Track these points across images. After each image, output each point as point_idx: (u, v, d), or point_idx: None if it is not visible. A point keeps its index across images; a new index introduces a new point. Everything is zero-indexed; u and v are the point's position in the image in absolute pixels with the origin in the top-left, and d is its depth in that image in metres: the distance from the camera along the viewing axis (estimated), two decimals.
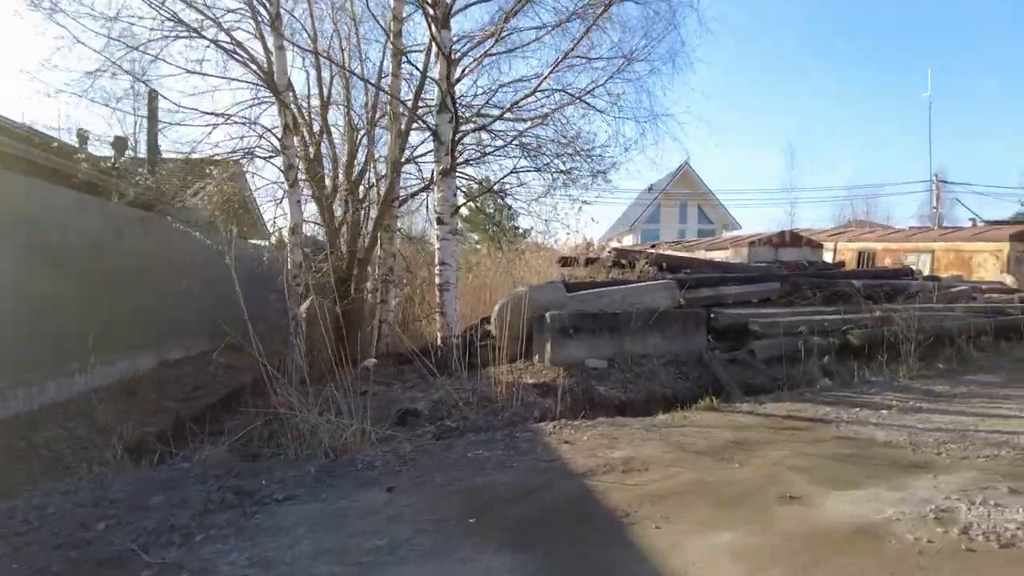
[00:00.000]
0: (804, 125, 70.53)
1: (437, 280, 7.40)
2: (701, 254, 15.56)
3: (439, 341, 7.47)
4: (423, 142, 9.76)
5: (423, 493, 3.49)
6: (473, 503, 3.31)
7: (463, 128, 8.14)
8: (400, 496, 3.45)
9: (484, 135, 9.93)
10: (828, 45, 68.43)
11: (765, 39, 68.42)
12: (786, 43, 69.04)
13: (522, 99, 8.03)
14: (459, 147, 10.33)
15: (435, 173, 7.51)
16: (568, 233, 13.68)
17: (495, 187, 9.14)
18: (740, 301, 8.63)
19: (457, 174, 10.20)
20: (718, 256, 14.72)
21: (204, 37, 7.58)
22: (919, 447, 4.22)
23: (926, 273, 13.53)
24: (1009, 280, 13.15)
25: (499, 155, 9.88)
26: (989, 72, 62.04)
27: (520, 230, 24.72)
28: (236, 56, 7.62)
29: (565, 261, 10.27)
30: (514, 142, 9.55)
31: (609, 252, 9.97)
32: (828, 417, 5.17)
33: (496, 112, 8.82)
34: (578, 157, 9.50)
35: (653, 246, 20.04)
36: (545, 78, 7.54)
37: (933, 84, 55.97)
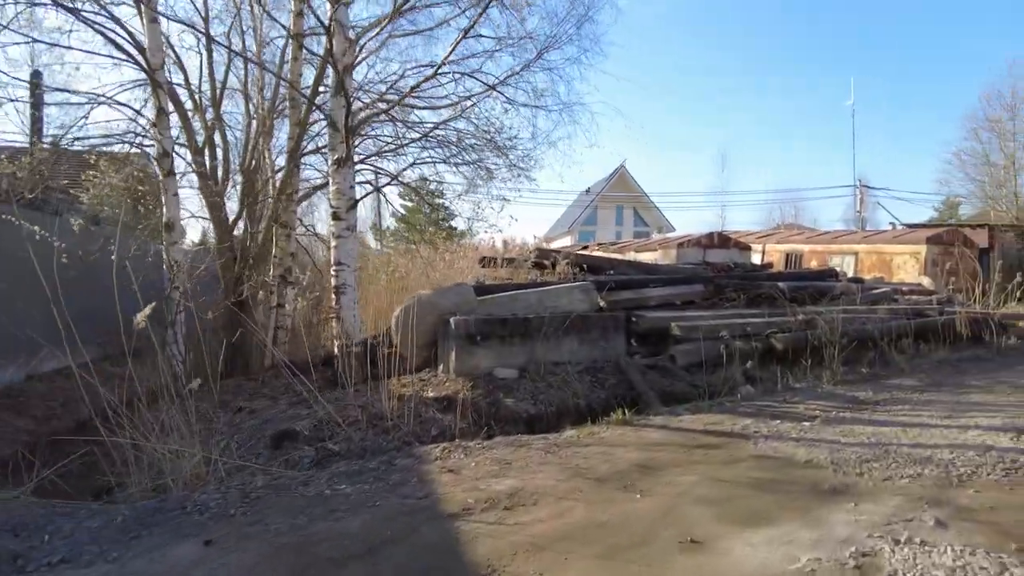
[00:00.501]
0: (736, 130, 72.48)
1: (333, 282, 6.66)
2: (631, 255, 15.27)
3: (336, 350, 6.72)
4: (323, 132, 8.99)
5: (248, 548, 2.79)
6: (306, 561, 2.64)
7: (363, 114, 7.42)
8: (217, 552, 2.74)
9: (401, 127, 9.28)
10: (760, 53, 70.56)
11: (697, 44, 70.10)
12: (719, 48, 70.87)
13: (423, 82, 7.36)
14: (377, 139, 9.65)
15: (329, 163, 6.75)
16: (487, 231, 13.15)
17: (404, 181, 8.43)
18: (664, 304, 8.23)
19: (371, 167, 9.52)
20: (648, 257, 14.44)
21: (61, 5, 6.60)
22: (840, 466, 3.80)
23: (850, 274, 13.62)
24: (926, 282, 13.36)
25: (415, 147, 9.25)
26: (909, 83, 65.07)
27: (456, 230, 24.12)
28: (97, 28, 6.66)
29: (485, 261, 9.66)
30: (431, 135, 8.93)
31: (531, 252, 9.44)
32: (747, 431, 4.73)
33: (407, 99, 8.12)
34: (496, 150, 8.98)
35: (585, 247, 19.73)
36: (446, 59, 6.92)
37: (856, 92, 58.49)
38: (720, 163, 61.71)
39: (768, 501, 3.23)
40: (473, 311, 6.57)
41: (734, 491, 3.41)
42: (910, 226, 21.04)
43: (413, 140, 9.01)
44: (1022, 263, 16.71)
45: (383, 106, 7.89)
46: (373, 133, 9.55)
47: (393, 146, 9.20)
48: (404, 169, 8.29)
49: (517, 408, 5.70)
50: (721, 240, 14.46)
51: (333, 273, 6.65)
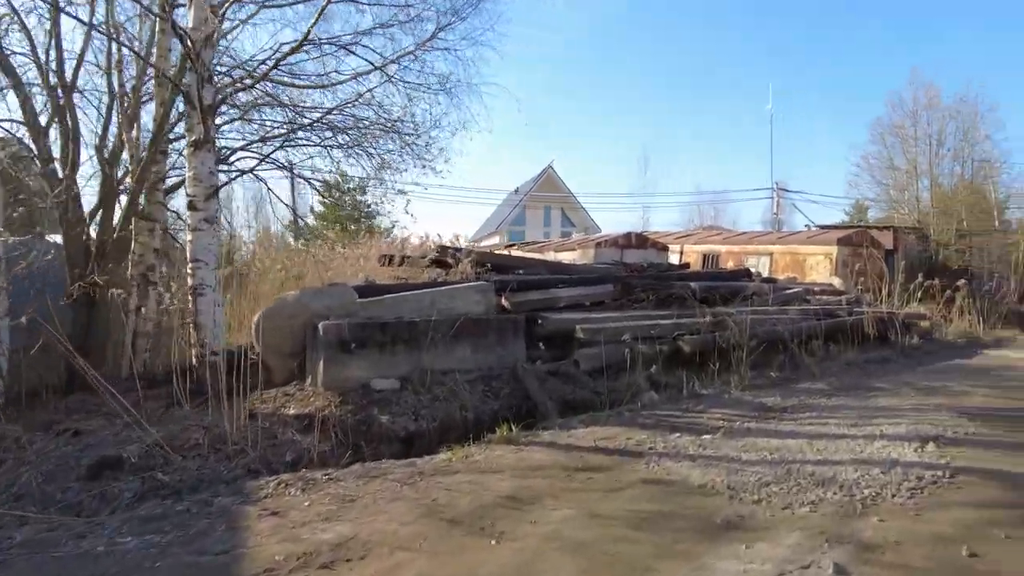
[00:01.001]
0: (659, 131, 73.80)
1: (189, 282, 5.78)
2: (551, 255, 14.84)
3: (194, 359, 5.84)
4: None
5: None
6: None
7: (227, 91, 6.54)
8: None
9: (291, 112, 8.43)
10: (680, 58, 72.26)
11: (619, 47, 71.27)
12: (640, 51, 72.11)
13: (289, 54, 6.53)
14: (272, 124, 8.73)
15: (185, 145, 5.86)
16: (388, 228, 12.47)
17: (280, 164, 7.57)
18: (573, 305, 7.72)
19: (255, 154, 8.60)
20: (567, 257, 14.02)
21: None
22: (737, 492, 3.33)
23: (765, 274, 13.63)
24: (837, 282, 13.52)
25: (314, 136, 8.42)
26: (827, 86, 67.66)
27: (379, 227, 23.19)
28: None
29: (384, 259, 8.92)
30: (323, 120, 8.12)
31: (431, 249, 8.76)
32: (641, 448, 4.23)
33: (293, 80, 7.29)
34: (399, 138, 8.30)
35: (510, 247, 19.22)
36: (311, 29, 6.13)
37: (774, 98, 60.93)
38: (643, 165, 62.96)
39: (649, 545, 2.69)
40: (353, 314, 5.83)
41: (612, 531, 2.85)
42: (822, 227, 21.61)
43: (302, 126, 8.16)
44: (923, 264, 17.41)
45: (249, 82, 7.01)
46: (258, 118, 8.65)
47: (279, 132, 8.31)
48: (272, 152, 7.40)
49: (393, 425, 5.00)
50: (639, 240, 14.22)
51: (189, 272, 5.76)
